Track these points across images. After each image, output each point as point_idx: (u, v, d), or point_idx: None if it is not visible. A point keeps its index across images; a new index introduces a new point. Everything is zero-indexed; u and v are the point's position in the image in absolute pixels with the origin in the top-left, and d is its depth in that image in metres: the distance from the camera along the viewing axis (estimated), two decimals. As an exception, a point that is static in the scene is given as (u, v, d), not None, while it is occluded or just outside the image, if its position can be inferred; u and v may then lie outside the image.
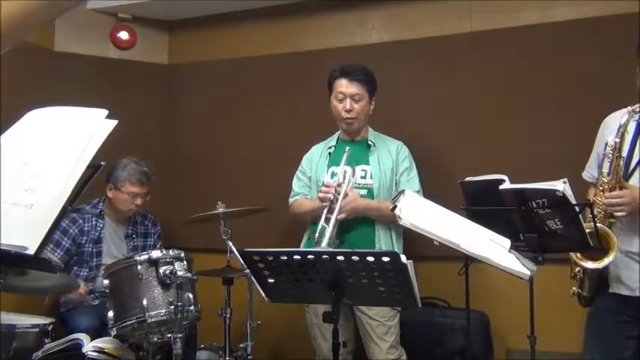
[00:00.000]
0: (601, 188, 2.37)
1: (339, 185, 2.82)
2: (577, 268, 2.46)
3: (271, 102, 3.93)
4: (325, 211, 2.80)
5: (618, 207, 2.31)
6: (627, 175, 2.40)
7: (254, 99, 3.98)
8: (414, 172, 3.03)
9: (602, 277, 2.43)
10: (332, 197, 2.80)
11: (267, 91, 3.94)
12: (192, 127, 4.17)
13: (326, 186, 2.85)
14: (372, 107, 3.02)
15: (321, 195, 2.84)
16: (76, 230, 3.36)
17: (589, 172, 2.65)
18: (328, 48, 3.79)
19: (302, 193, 3.11)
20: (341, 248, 2.77)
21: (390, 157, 3.01)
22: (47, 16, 0.67)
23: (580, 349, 2.74)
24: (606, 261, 2.30)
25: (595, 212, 2.32)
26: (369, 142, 3.05)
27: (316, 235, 2.77)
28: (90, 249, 3.38)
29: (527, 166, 3.13)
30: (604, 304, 2.49)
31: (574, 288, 2.52)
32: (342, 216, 2.81)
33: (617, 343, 2.45)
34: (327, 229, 2.73)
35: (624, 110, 2.42)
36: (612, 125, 2.50)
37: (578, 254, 2.34)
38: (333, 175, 3.01)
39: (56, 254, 3.28)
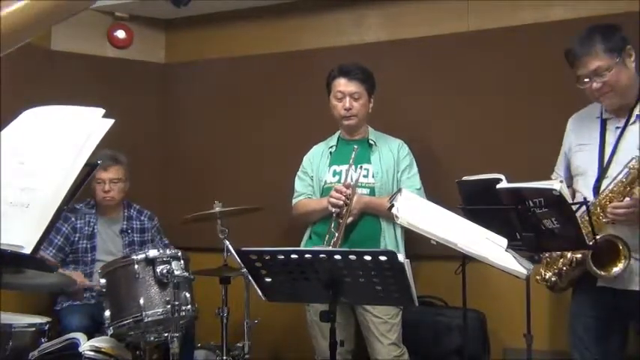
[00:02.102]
0: (610, 195, 2.35)
1: (348, 187, 2.82)
2: (561, 262, 2.47)
3: (268, 101, 3.93)
4: (334, 216, 2.81)
5: (625, 216, 2.30)
6: (604, 169, 2.41)
7: (251, 98, 3.98)
8: (415, 169, 3.04)
9: (584, 274, 2.43)
10: (342, 203, 2.80)
11: (264, 90, 3.94)
12: (189, 126, 4.16)
13: (337, 191, 2.83)
14: (371, 106, 3.03)
15: (333, 201, 2.82)
16: (69, 228, 3.36)
17: (556, 173, 2.69)
18: (325, 47, 3.79)
19: (305, 193, 3.10)
20: (345, 245, 2.79)
21: (391, 156, 3.01)
22: (62, 15, 0.68)
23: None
24: (619, 267, 2.30)
25: (596, 212, 2.34)
26: (370, 142, 3.05)
27: (325, 242, 2.79)
28: (84, 245, 3.38)
29: (524, 166, 3.13)
30: (587, 300, 2.51)
31: (547, 274, 2.52)
32: (351, 219, 2.83)
33: (602, 337, 2.47)
34: (337, 234, 2.75)
35: (587, 110, 2.52)
36: (577, 124, 2.59)
37: (591, 263, 2.33)
38: (335, 173, 3.01)
39: (48, 252, 3.27)
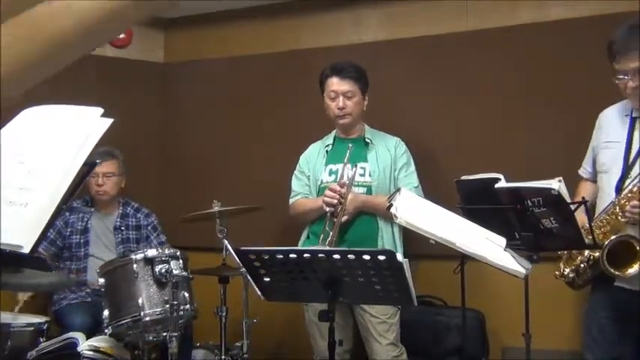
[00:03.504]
0: (630, 195, 2.34)
1: (342, 186, 2.81)
2: (579, 259, 2.47)
3: (267, 100, 3.93)
4: (329, 215, 2.81)
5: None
6: (628, 168, 2.41)
7: (250, 97, 3.98)
8: (412, 167, 3.03)
9: (602, 272, 2.43)
10: (337, 202, 2.80)
11: (264, 90, 3.94)
12: (188, 125, 4.16)
13: (331, 190, 2.83)
14: (365, 103, 3.02)
15: (327, 200, 2.81)
16: (61, 222, 3.36)
17: (584, 168, 2.68)
18: (324, 47, 3.79)
19: (302, 192, 3.10)
20: (342, 245, 2.78)
21: (388, 154, 3.01)
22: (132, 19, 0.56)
23: (574, 346, 2.76)
24: (635, 268, 2.29)
25: (615, 211, 2.34)
26: (367, 140, 3.05)
27: (319, 241, 2.78)
28: (77, 239, 3.38)
29: (523, 165, 3.14)
30: (602, 300, 2.50)
31: (566, 270, 2.51)
32: (345, 218, 2.83)
33: (616, 338, 2.46)
34: (332, 233, 2.74)
35: (619, 106, 2.47)
36: (607, 121, 2.55)
37: (607, 264, 2.31)
38: (332, 172, 3.01)
39: (41, 245, 3.27)
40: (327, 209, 2.81)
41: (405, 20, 3.67)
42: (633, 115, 2.46)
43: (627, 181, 2.38)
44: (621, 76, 2.34)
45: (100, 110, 1.31)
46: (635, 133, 2.44)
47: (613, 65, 2.37)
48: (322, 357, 2.94)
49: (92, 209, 3.46)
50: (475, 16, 3.50)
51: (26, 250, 1.16)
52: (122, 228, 3.49)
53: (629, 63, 2.31)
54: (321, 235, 2.81)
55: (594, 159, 2.61)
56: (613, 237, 2.30)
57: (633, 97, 2.39)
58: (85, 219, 3.41)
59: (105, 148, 3.34)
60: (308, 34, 3.89)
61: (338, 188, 2.81)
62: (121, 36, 4.13)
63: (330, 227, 2.79)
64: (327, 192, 2.83)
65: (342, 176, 2.89)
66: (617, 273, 2.31)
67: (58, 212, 1.20)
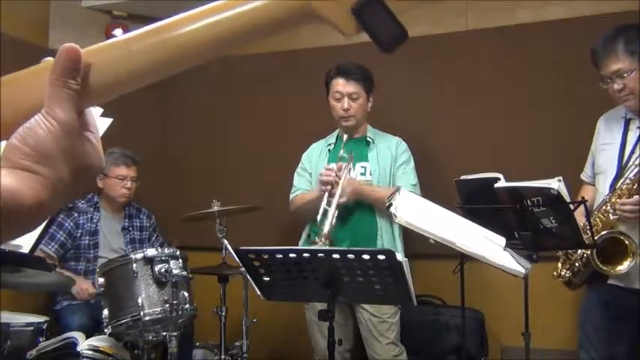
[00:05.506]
0: (619, 192, 2.37)
1: (339, 169, 2.82)
2: (574, 258, 2.47)
3: (267, 100, 3.93)
4: (326, 195, 2.80)
5: (632, 213, 2.31)
6: (622, 168, 2.42)
7: (250, 97, 3.97)
8: (411, 166, 3.03)
9: (596, 271, 2.44)
10: (333, 180, 2.79)
11: (263, 89, 3.94)
12: (188, 124, 4.16)
13: (327, 169, 2.84)
14: (370, 104, 3.03)
15: (323, 178, 2.82)
16: (72, 224, 3.37)
17: (585, 172, 2.69)
18: (324, 47, 3.79)
19: (303, 188, 3.10)
20: (342, 244, 2.78)
21: (389, 154, 3.01)
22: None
23: (574, 346, 2.75)
24: (625, 265, 2.30)
25: (607, 209, 2.36)
26: (368, 139, 3.05)
27: (318, 219, 2.76)
28: (86, 241, 3.39)
29: (523, 165, 3.14)
30: (597, 299, 2.51)
31: (563, 272, 2.52)
32: (344, 199, 2.80)
33: (611, 337, 2.46)
34: (330, 212, 2.73)
35: (616, 109, 2.49)
36: (604, 124, 2.58)
37: (597, 261, 2.33)
38: None
39: (50, 247, 3.27)
40: (324, 188, 2.80)
41: (404, 19, 3.63)
42: (627, 117, 2.49)
43: (620, 181, 2.40)
44: (608, 81, 2.38)
45: (100, 110, 1.31)
46: (629, 134, 2.46)
47: (599, 72, 2.42)
48: (323, 356, 2.94)
49: (92, 209, 3.47)
50: (474, 16, 3.50)
51: (25, 249, 1.16)
52: (130, 228, 3.54)
53: (609, 67, 2.36)
54: (320, 212, 2.78)
55: (594, 162, 2.63)
56: (603, 232, 2.30)
57: (622, 100, 2.41)
58: (95, 220, 3.43)
59: (129, 152, 3.43)
60: (308, 34, 3.88)
61: (333, 166, 2.82)
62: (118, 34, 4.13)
63: (329, 206, 2.76)
64: (323, 170, 2.85)
65: (338, 160, 2.89)
66: (606, 269, 2.33)
67: (57, 211, 1.20)
